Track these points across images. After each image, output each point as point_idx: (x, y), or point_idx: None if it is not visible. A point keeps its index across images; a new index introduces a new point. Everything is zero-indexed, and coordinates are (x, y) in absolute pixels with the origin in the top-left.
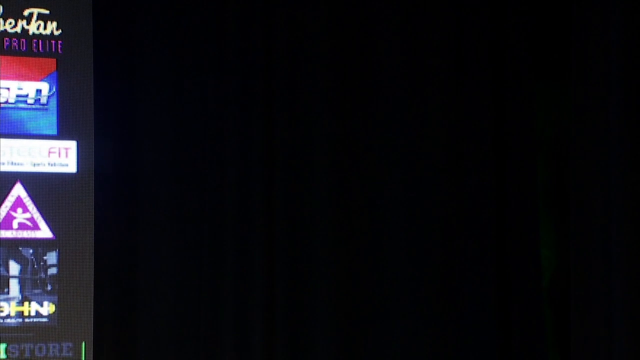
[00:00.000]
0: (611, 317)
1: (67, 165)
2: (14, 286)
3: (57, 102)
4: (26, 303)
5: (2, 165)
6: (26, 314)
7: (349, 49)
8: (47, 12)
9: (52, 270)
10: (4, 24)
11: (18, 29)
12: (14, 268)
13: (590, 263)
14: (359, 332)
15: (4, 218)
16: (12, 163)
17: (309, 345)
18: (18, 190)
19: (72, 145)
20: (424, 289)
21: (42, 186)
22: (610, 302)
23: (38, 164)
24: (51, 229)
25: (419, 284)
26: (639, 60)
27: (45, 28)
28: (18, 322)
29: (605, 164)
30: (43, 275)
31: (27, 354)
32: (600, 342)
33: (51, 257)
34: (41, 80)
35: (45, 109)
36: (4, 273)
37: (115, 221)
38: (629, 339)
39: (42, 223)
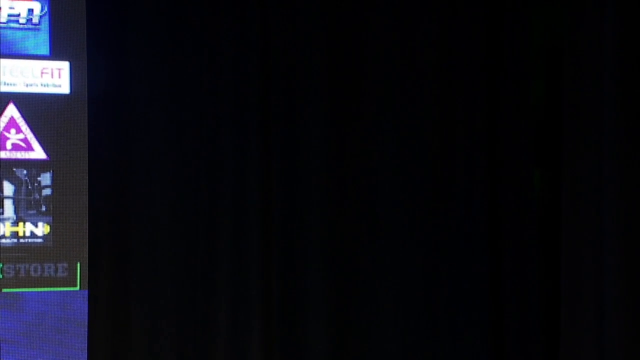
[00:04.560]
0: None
1: (60, 86)
2: (9, 207)
3: (50, 22)
4: (21, 224)
5: None
6: (21, 234)
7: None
8: None
9: (47, 191)
10: None
11: None
12: (8, 189)
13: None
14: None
15: None
16: (5, 83)
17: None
18: (11, 111)
19: (64, 66)
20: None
21: (35, 107)
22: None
23: (31, 85)
24: (45, 150)
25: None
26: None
27: None
28: (13, 243)
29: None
30: (37, 196)
31: (22, 274)
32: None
33: (45, 178)
34: None
35: (38, 29)
36: None
37: (109, 143)
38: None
39: (35, 144)
